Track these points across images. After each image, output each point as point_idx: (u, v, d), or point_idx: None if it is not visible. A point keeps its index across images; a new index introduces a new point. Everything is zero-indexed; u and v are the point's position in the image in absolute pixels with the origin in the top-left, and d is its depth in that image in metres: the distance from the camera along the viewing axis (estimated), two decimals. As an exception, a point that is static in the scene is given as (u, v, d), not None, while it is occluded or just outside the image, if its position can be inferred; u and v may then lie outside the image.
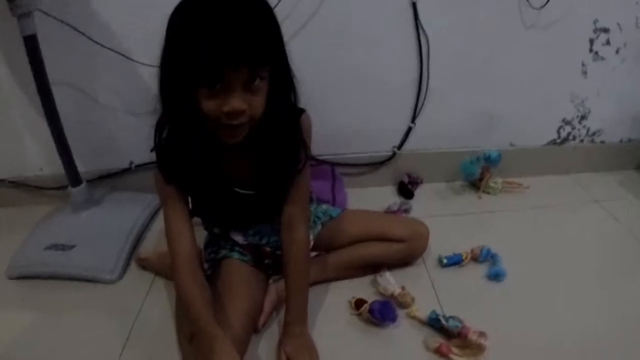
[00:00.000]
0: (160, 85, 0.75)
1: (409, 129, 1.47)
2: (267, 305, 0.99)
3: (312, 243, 1.08)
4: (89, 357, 0.96)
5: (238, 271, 0.98)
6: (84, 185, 1.35)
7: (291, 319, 0.91)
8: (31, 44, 1.08)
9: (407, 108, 1.44)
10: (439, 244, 1.21)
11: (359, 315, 1.01)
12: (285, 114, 0.82)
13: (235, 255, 1.00)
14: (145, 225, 1.36)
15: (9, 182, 1.54)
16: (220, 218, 0.99)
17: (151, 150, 0.82)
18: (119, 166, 1.49)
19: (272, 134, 0.81)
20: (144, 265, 1.20)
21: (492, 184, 1.48)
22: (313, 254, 1.11)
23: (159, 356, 0.94)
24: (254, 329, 0.95)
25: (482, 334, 0.91)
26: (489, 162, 1.45)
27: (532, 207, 1.43)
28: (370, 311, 0.98)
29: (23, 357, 0.97)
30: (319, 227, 1.10)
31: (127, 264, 1.22)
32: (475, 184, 1.51)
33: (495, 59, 1.39)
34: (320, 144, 1.46)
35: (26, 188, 1.55)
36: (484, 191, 1.49)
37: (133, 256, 1.24)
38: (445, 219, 1.37)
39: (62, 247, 1.23)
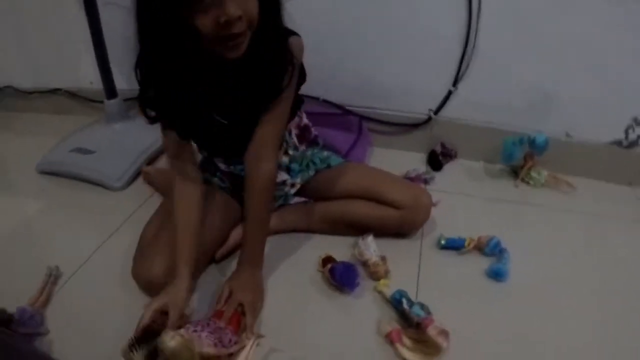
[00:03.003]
0: (138, 16, 0.71)
1: (449, 93, 1.32)
2: (233, 237, 0.97)
3: (298, 187, 1.03)
4: (71, 243, 1.08)
5: (213, 197, 0.95)
6: (118, 99, 1.43)
7: (244, 259, 0.87)
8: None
9: (450, 68, 1.28)
10: (451, 225, 1.07)
11: (322, 273, 0.94)
12: (274, 30, 0.76)
13: (215, 180, 0.98)
14: (161, 149, 1.37)
15: (65, 91, 1.68)
16: (204, 143, 0.97)
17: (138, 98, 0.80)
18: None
19: (258, 52, 0.75)
20: (148, 179, 1.25)
21: (534, 174, 1.28)
22: (300, 199, 1.06)
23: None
24: (213, 259, 0.94)
25: (444, 332, 0.76)
26: (533, 147, 1.25)
27: (574, 211, 1.19)
28: (331, 271, 0.90)
29: (25, 233, 1.14)
30: (312, 172, 1.03)
31: (134, 177, 1.29)
32: (516, 170, 1.33)
33: (564, 22, 1.15)
34: (352, 95, 1.38)
35: (78, 98, 1.68)
36: (523, 179, 1.30)
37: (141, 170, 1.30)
38: (469, 199, 1.22)
39: (84, 151, 1.33)
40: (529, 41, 1.20)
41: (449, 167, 1.37)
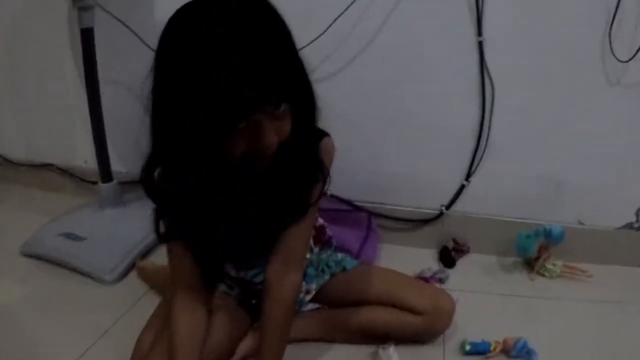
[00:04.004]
0: (153, 124, 0.65)
1: (462, 187, 1.29)
2: (241, 349, 0.87)
3: (313, 293, 0.95)
4: (57, 342, 0.98)
5: (219, 306, 0.86)
6: (114, 183, 1.36)
7: None
8: (87, 37, 1.12)
9: (463, 162, 1.26)
10: (471, 326, 1.01)
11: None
12: (307, 133, 0.71)
13: (222, 287, 0.90)
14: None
15: (57, 167, 1.61)
16: (218, 248, 0.88)
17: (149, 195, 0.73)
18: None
19: (288, 156, 0.69)
20: (143, 275, 1.15)
21: (549, 266, 1.25)
22: (313, 306, 0.98)
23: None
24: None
25: None
26: (550, 239, 1.21)
27: (593, 300, 1.16)
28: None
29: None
30: (327, 277, 0.96)
31: (128, 270, 1.20)
32: (530, 263, 1.28)
33: (570, 116, 1.18)
34: (360, 189, 1.34)
35: (70, 177, 1.61)
36: (538, 272, 1.26)
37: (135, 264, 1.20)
38: (486, 297, 1.17)
39: (73, 237, 1.24)
40: (541, 133, 1.21)
41: (462, 263, 1.31)
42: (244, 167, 0.67)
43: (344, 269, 0.98)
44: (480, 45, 1.14)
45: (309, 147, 0.73)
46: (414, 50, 1.19)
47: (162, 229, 0.75)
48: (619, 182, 1.24)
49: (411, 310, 0.91)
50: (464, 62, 1.17)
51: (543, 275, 1.25)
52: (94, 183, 1.52)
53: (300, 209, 0.76)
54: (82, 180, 1.59)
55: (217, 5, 0.58)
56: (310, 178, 0.75)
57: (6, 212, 1.52)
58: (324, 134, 0.78)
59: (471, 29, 1.14)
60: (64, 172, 1.61)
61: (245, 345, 0.88)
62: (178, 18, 0.60)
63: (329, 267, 0.97)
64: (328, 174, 0.77)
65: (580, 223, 1.29)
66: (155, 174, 0.71)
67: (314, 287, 0.94)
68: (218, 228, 0.76)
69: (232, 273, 0.90)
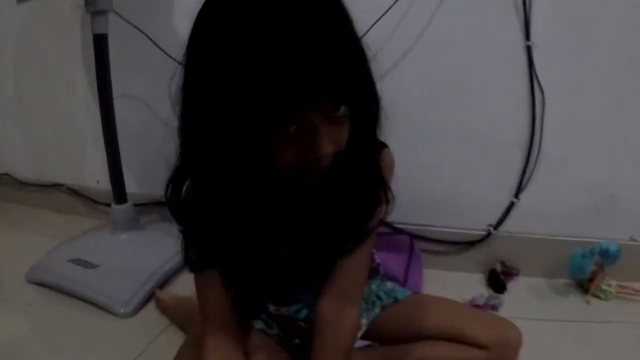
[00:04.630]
0: (184, 127, 0.55)
1: (511, 205, 1.18)
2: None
3: (364, 329, 0.83)
4: None
5: (256, 347, 0.74)
6: (128, 205, 1.26)
7: None
8: (100, 44, 1.03)
9: (512, 177, 1.16)
10: (530, 357, 0.90)
11: None
12: (367, 143, 0.61)
13: (259, 325, 0.78)
14: (178, 268, 1.20)
15: (67, 187, 1.52)
16: (254, 283, 0.77)
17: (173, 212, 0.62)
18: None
19: (346, 171, 0.59)
20: (162, 307, 1.03)
21: (604, 286, 1.16)
22: (363, 343, 0.86)
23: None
24: None
25: None
26: (606, 259, 1.12)
27: None
28: None
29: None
30: (378, 310, 0.85)
31: (145, 302, 1.08)
32: (584, 285, 1.19)
33: (625, 124, 1.10)
34: (400, 210, 1.23)
35: (81, 198, 1.52)
36: (593, 294, 1.16)
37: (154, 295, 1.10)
38: (542, 324, 1.07)
39: (85, 264, 1.14)
40: (593, 144, 1.13)
41: (511, 287, 1.20)
42: (290, 182, 0.56)
43: (396, 299, 0.86)
44: (529, 49, 1.06)
45: (369, 160, 0.62)
46: (457, 56, 1.10)
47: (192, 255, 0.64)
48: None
49: (475, 345, 0.80)
50: (511, 67, 1.08)
51: (598, 297, 1.17)
52: (107, 205, 1.43)
53: (358, 235, 0.65)
54: (94, 201, 1.50)
55: None
56: (370, 197, 0.64)
57: (12, 234, 1.44)
58: (382, 144, 0.67)
59: (519, 33, 1.06)
60: (75, 192, 1.52)
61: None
62: None
63: (379, 298, 0.85)
64: (391, 193, 0.66)
65: (633, 239, 1.19)
66: (184, 189, 0.61)
67: (364, 322, 0.83)
68: (257, 256, 0.65)
69: (272, 309, 0.79)
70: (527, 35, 1.05)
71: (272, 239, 0.66)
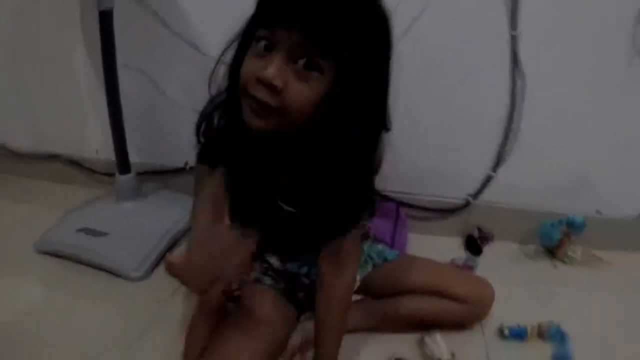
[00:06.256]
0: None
1: (489, 178, 1.29)
2: (291, 346, 0.86)
3: (357, 285, 0.93)
4: (86, 346, 0.93)
5: (264, 301, 0.84)
6: (132, 175, 1.30)
7: None
8: (105, 20, 1.05)
9: (490, 153, 1.26)
10: (502, 312, 1.04)
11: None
12: (347, 139, 0.63)
13: (267, 280, 0.87)
14: (185, 230, 1.26)
15: (65, 158, 1.54)
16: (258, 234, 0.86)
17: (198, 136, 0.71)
18: (173, 164, 1.42)
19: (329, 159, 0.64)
20: (173, 272, 1.09)
21: (570, 253, 1.29)
22: (356, 297, 0.97)
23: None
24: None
25: None
26: (572, 228, 1.26)
27: (613, 286, 1.21)
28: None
29: (25, 329, 0.98)
30: (370, 268, 0.96)
31: (154, 265, 1.15)
32: (552, 251, 1.32)
33: (599, 113, 1.19)
34: (388, 179, 1.32)
35: (80, 168, 1.54)
36: (560, 259, 1.30)
37: (164, 258, 1.15)
38: (513, 284, 1.19)
39: (94, 233, 1.19)
40: (568, 129, 1.22)
41: (486, 251, 1.31)
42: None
43: (386, 259, 0.97)
44: (514, 38, 1.12)
45: (371, 139, 0.69)
46: (446, 41, 1.16)
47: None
48: (635, 171, 1.26)
49: (455, 299, 0.92)
50: (496, 53, 1.15)
51: (564, 263, 1.29)
52: (107, 175, 1.47)
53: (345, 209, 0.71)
54: (93, 171, 1.52)
55: None
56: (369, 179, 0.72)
57: (12, 207, 1.43)
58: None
59: (505, 22, 1.12)
60: (73, 163, 1.54)
61: (294, 340, 0.87)
62: None
63: (371, 258, 0.96)
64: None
65: (598, 212, 1.31)
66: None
67: (358, 278, 0.93)
68: (267, 207, 0.74)
69: (277, 265, 0.88)
70: (514, 25, 1.11)
71: (279, 195, 0.75)
